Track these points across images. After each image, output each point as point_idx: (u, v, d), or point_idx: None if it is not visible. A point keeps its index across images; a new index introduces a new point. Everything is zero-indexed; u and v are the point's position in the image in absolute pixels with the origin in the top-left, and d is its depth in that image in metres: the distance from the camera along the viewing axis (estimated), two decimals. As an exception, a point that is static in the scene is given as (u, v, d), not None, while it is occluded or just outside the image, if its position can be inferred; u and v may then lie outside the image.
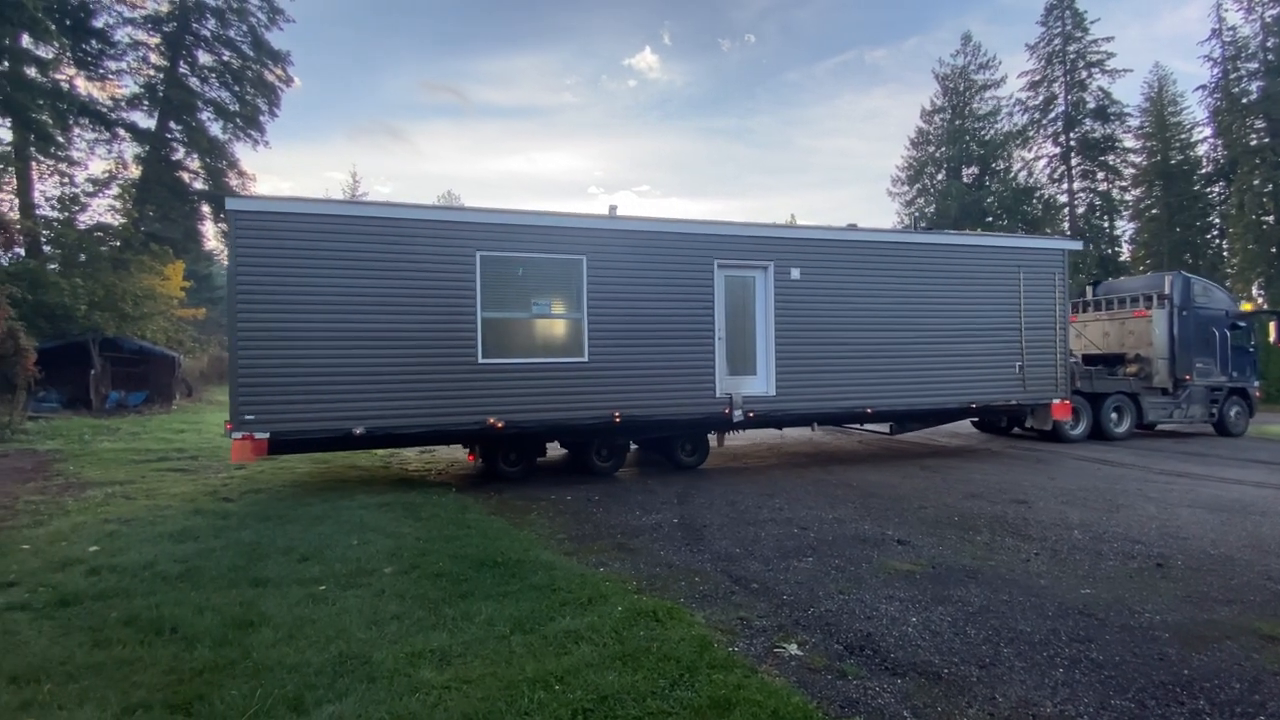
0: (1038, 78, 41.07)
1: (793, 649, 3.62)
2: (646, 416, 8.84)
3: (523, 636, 3.64)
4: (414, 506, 6.88)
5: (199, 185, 27.61)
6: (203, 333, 32.07)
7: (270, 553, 5.18)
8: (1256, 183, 34.10)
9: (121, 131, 25.71)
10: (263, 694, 2.98)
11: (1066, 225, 40.75)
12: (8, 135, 20.26)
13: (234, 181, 28.77)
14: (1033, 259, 10.90)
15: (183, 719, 2.81)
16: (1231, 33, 36.48)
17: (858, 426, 11.74)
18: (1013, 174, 40.75)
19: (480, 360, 8.18)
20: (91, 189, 24.67)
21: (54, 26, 19.69)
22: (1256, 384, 14.29)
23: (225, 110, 28.64)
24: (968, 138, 40.64)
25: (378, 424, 7.78)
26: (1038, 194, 40.55)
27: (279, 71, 29.62)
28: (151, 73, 26.64)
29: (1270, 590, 4.57)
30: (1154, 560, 5.24)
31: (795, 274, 9.57)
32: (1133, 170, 41.83)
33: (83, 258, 21.65)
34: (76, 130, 23.92)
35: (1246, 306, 14.66)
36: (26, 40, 19.12)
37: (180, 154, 28.02)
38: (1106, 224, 42.20)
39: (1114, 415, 12.86)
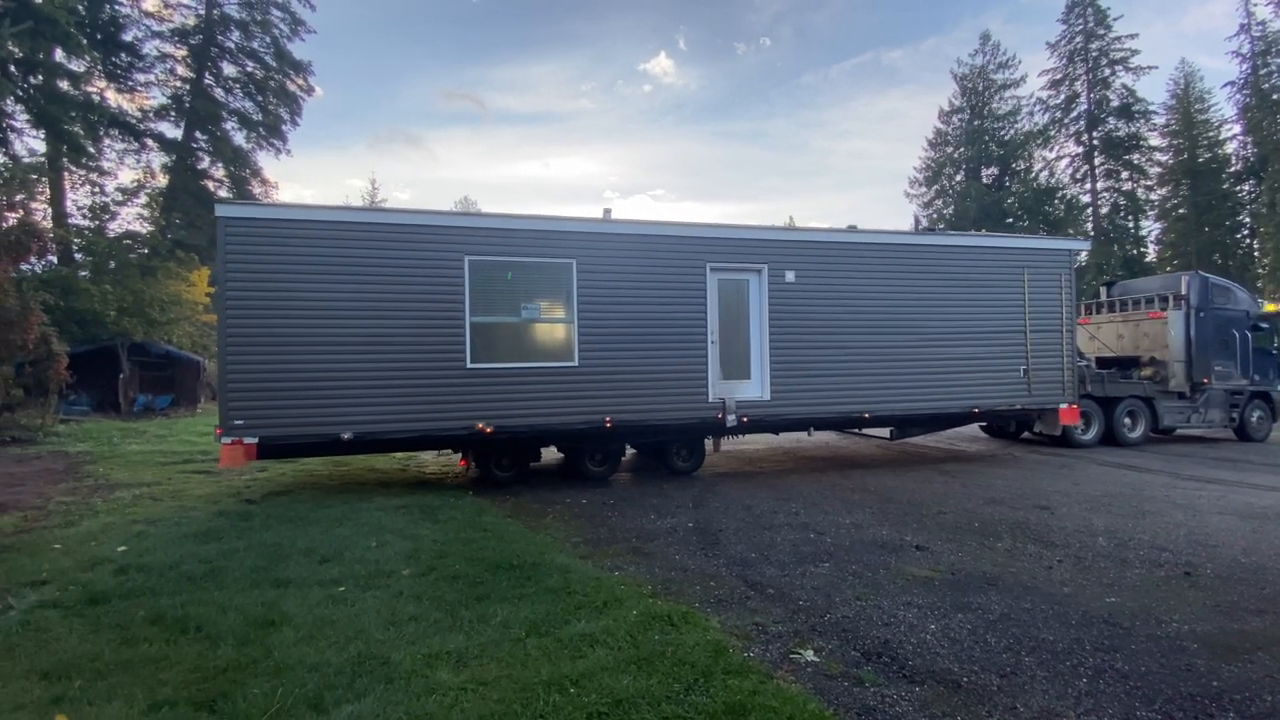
0: (1059, 76, 40.49)
1: (809, 655, 3.59)
2: (638, 421, 8.73)
3: (538, 639, 3.66)
4: (431, 509, 6.95)
5: (223, 193, 28.25)
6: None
7: (291, 554, 5.27)
8: (1288, 180, 33.22)
9: (150, 142, 26.47)
10: (284, 693, 3.03)
11: (1090, 225, 40.03)
12: (42, 147, 20.90)
13: (257, 189, 29.40)
14: (1037, 260, 10.65)
15: (207, 716, 2.87)
16: (1261, 27, 35.67)
17: (857, 431, 11.49)
18: (1033, 174, 40.16)
19: (469, 365, 8.13)
20: (121, 198, 25.35)
21: (86, 41, 20.30)
22: None
23: (249, 120, 29.31)
24: (987, 138, 40.14)
25: (365, 429, 7.75)
26: (1060, 194, 39.91)
27: (300, 81, 30.25)
28: (178, 84, 27.39)
29: (1304, 600, 4.44)
30: (1182, 568, 5.12)
31: (790, 277, 9.44)
32: (1158, 169, 41.02)
33: (112, 265, 22.23)
34: (107, 141, 24.68)
35: (1269, 307, 14.15)
36: (60, 55, 19.72)
37: (205, 163, 28.75)
38: (1131, 224, 41.40)
39: (1127, 420, 12.51)
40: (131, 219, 26.56)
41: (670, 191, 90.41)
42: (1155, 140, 40.62)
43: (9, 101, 17.02)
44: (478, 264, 8.26)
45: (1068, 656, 3.59)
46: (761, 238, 9.54)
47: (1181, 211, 40.23)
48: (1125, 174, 40.50)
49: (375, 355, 7.85)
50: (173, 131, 27.36)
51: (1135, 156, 40.20)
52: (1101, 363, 13.60)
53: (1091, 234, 39.77)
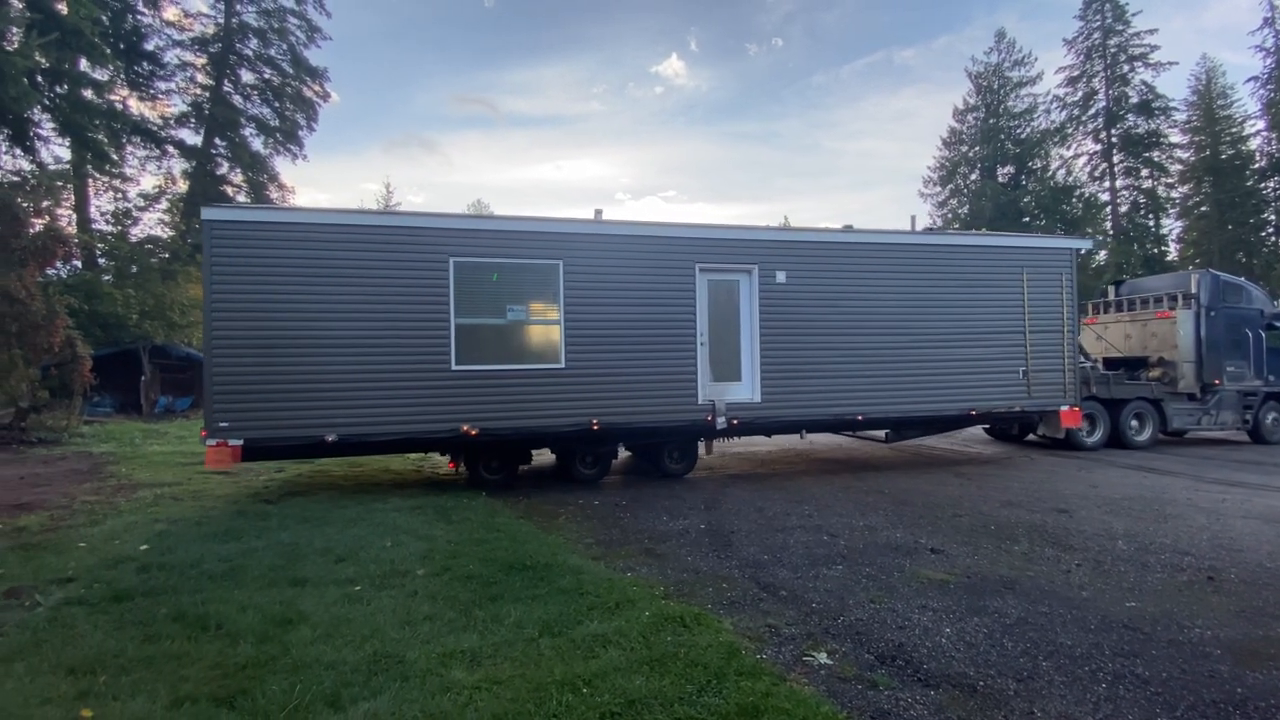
0: (1076, 73, 39.93)
1: (822, 657, 3.58)
2: (625, 424, 8.65)
3: (551, 639, 3.68)
4: (445, 510, 7.01)
5: (242, 198, 28.69)
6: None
7: (308, 553, 5.34)
8: (1315, 177, 32.47)
9: (170, 148, 26.99)
10: (302, 690, 3.08)
11: (1109, 224, 39.42)
12: (67, 154, 21.36)
13: (274, 194, 29.84)
14: (1037, 259, 10.45)
15: (227, 712, 2.92)
16: (1286, 21, 34.88)
17: (851, 433, 11.28)
18: (1050, 172, 39.64)
19: (454, 367, 8.10)
20: (143, 204, 25.88)
21: (109, 51, 20.73)
22: None
23: (266, 126, 29.76)
24: (1003, 136, 39.69)
25: (350, 431, 7.74)
26: (1078, 192, 39.34)
27: (317, 87, 30.66)
28: (198, 91, 27.88)
29: (1332, 606, 4.34)
30: (1205, 573, 5.03)
31: (781, 277, 9.33)
32: (1180, 166, 40.29)
33: (134, 269, 22.69)
34: (129, 148, 25.18)
35: None
36: (84, 64, 20.16)
37: (224, 168, 29.22)
38: (1152, 222, 40.69)
39: (1134, 423, 12.22)
40: (153, 224, 27.13)
41: (682, 193, 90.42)
42: (1176, 137, 39.93)
43: (36, 110, 17.43)
44: (463, 265, 8.22)
45: (1086, 661, 3.55)
46: (752, 238, 9.44)
47: (1204, 209, 39.48)
48: (1145, 172, 39.83)
49: (360, 357, 7.83)
50: (193, 138, 27.89)
51: (1155, 154, 39.52)
52: (1109, 364, 13.35)
53: (1110, 233, 39.17)
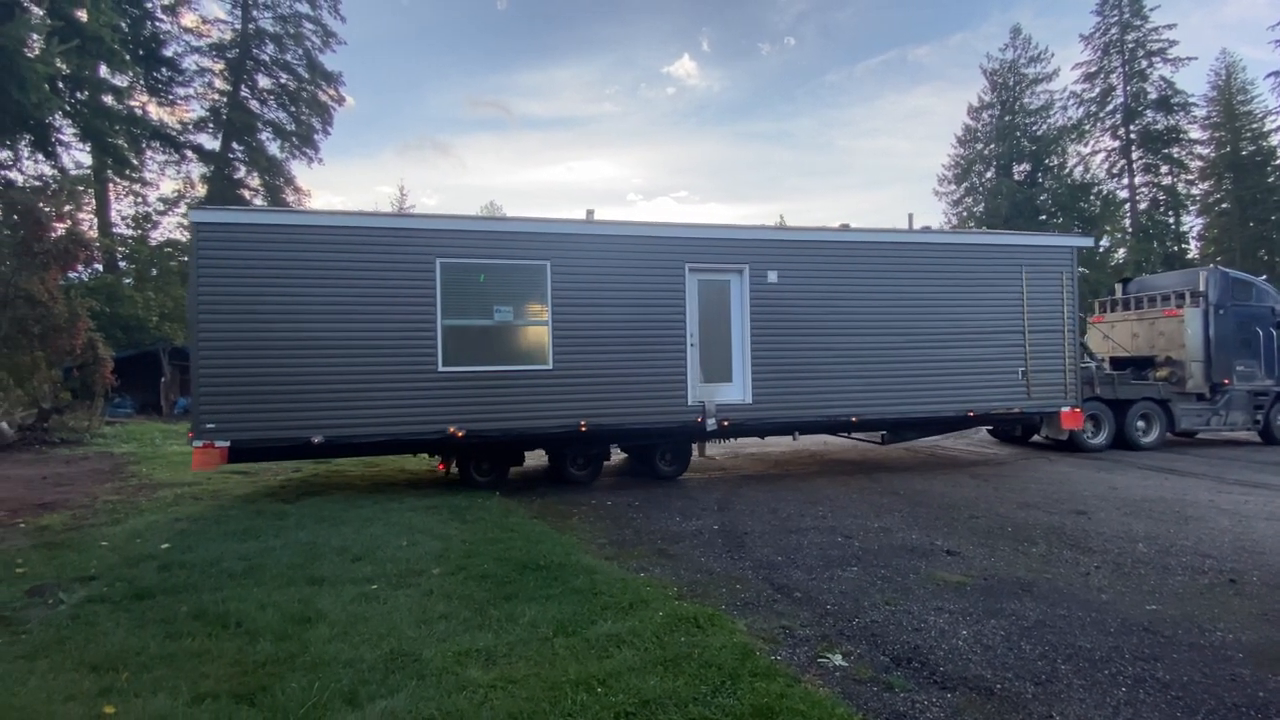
0: (1094, 69, 39.38)
1: (837, 659, 3.56)
2: (614, 425, 8.59)
3: (565, 639, 3.69)
4: (460, 509, 7.06)
5: (259, 201, 29.07)
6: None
7: (325, 552, 5.40)
8: (1341, 172, 31.77)
9: (189, 153, 27.42)
10: (320, 687, 3.11)
11: (1128, 221, 38.84)
12: (88, 159, 21.77)
13: (290, 198, 30.19)
14: (1036, 258, 10.27)
15: (247, 709, 2.96)
16: (1309, 14, 34.14)
17: (846, 435, 11.05)
18: (1068, 170, 39.06)
19: (440, 368, 8.08)
20: (162, 207, 26.29)
21: (129, 57, 21.09)
22: None
23: (283, 130, 30.13)
24: (1018, 134, 39.20)
25: (336, 433, 7.74)
26: (1095, 190, 38.75)
27: (332, 92, 31.00)
28: (216, 97, 28.29)
29: (1361, 610, 4.25)
30: (1227, 575, 4.94)
31: (772, 277, 9.23)
32: (1200, 163, 39.63)
33: (154, 272, 23.07)
34: (149, 153, 25.60)
35: None
36: (104, 70, 20.54)
37: (242, 173, 29.62)
38: (1172, 220, 40.03)
39: (1140, 423, 11.96)
40: (172, 228, 27.57)
41: (694, 193, 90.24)
42: (1196, 133, 39.24)
43: (57, 116, 17.78)
44: (449, 266, 8.19)
45: (1106, 665, 3.50)
46: (742, 237, 9.37)
47: (1225, 206, 38.78)
48: (1165, 168, 39.19)
49: (346, 359, 7.81)
50: (211, 143, 28.31)
51: (1175, 150, 38.87)
52: (1116, 363, 13.10)
53: (1129, 230, 38.58)
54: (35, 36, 13.75)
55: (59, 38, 14.13)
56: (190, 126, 27.58)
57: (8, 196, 13.85)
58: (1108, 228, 37.24)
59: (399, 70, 75.48)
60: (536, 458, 9.57)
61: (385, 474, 9.78)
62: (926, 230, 10.52)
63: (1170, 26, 37.73)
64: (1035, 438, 12.60)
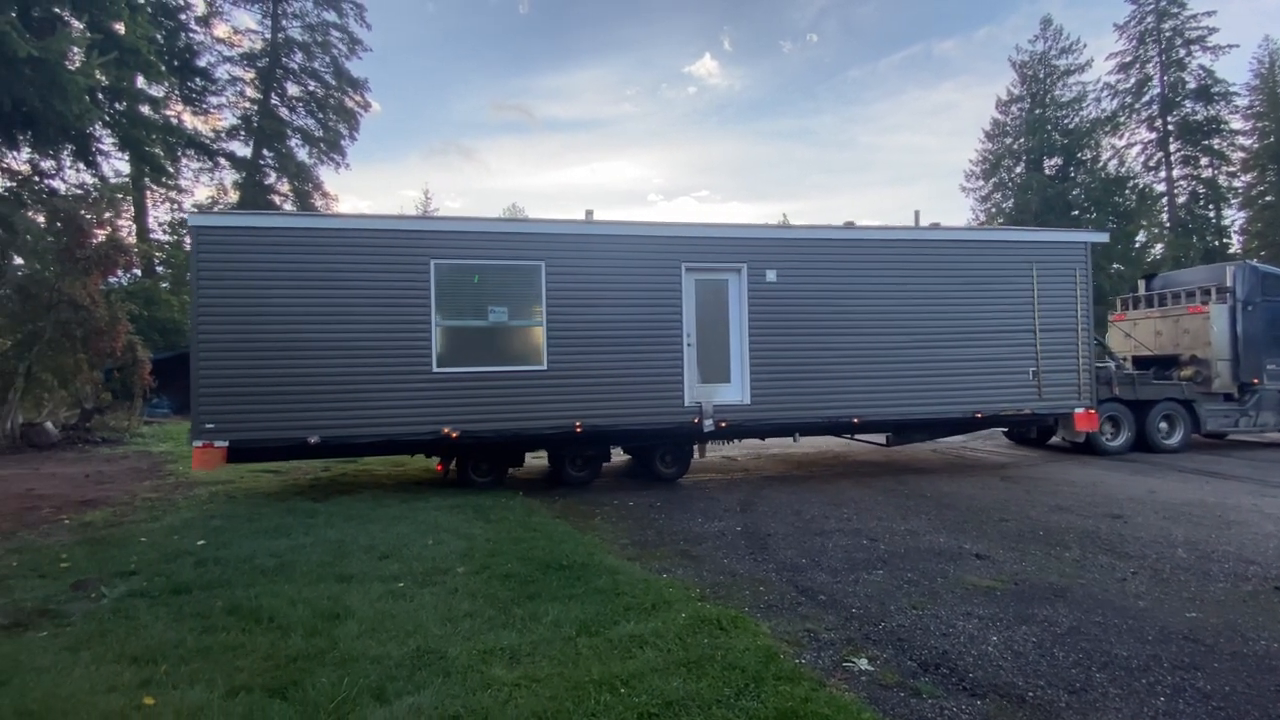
0: (1129, 59, 38.25)
1: (863, 664, 3.51)
2: (610, 426, 8.55)
3: (588, 639, 3.71)
4: (484, 509, 7.13)
5: (289, 207, 29.73)
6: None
7: (354, 550, 5.50)
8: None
9: (222, 160, 28.18)
10: (349, 683, 3.17)
11: (1166, 215, 37.64)
12: (126, 168, 22.49)
13: (319, 202, 30.81)
14: (1047, 254, 9.96)
15: (279, 703, 3.03)
16: (1360, -4, 32.69)
17: (850, 436, 10.82)
18: (1101, 163, 38.00)
19: (435, 369, 8.12)
20: (197, 213, 26.96)
21: (164, 68, 21.74)
22: None
23: (311, 136, 30.79)
24: (1049, 127, 38.23)
25: (332, 433, 7.83)
26: (1131, 183, 37.63)
27: (358, 98, 31.58)
28: (247, 105, 29.02)
29: None
30: (1272, 582, 4.76)
31: (771, 276, 9.11)
32: (1242, 154, 38.17)
33: (189, 276, 23.71)
34: (184, 161, 26.36)
35: None
36: (141, 81, 21.21)
37: (272, 178, 30.33)
38: (1212, 213, 38.67)
39: (1163, 425, 11.49)
40: (206, 233, 28.25)
41: (715, 192, 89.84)
42: (1238, 123, 37.82)
43: (97, 126, 18.41)
44: (444, 267, 8.22)
45: (1143, 674, 3.40)
46: (740, 236, 9.27)
47: (1269, 199, 37.31)
48: (1205, 160, 37.86)
49: (342, 360, 7.89)
50: (242, 150, 29.04)
51: (1215, 141, 37.53)
52: (1138, 362, 12.64)
53: (1168, 225, 37.38)
54: (76, 49, 14.24)
55: (98, 50, 14.62)
56: (223, 134, 28.36)
57: (51, 205, 14.39)
58: (1144, 223, 36.15)
59: (424, 76, 76.54)
60: (542, 458, 9.57)
61: (412, 473, 9.92)
62: (934, 227, 10.30)
63: (1210, 13, 36.47)
64: (1053, 440, 12.23)
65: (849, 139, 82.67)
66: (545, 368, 8.43)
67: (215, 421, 7.59)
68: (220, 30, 27.45)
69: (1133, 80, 38.29)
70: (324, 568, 5.02)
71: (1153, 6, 37.23)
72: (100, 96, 17.73)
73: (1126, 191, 37.17)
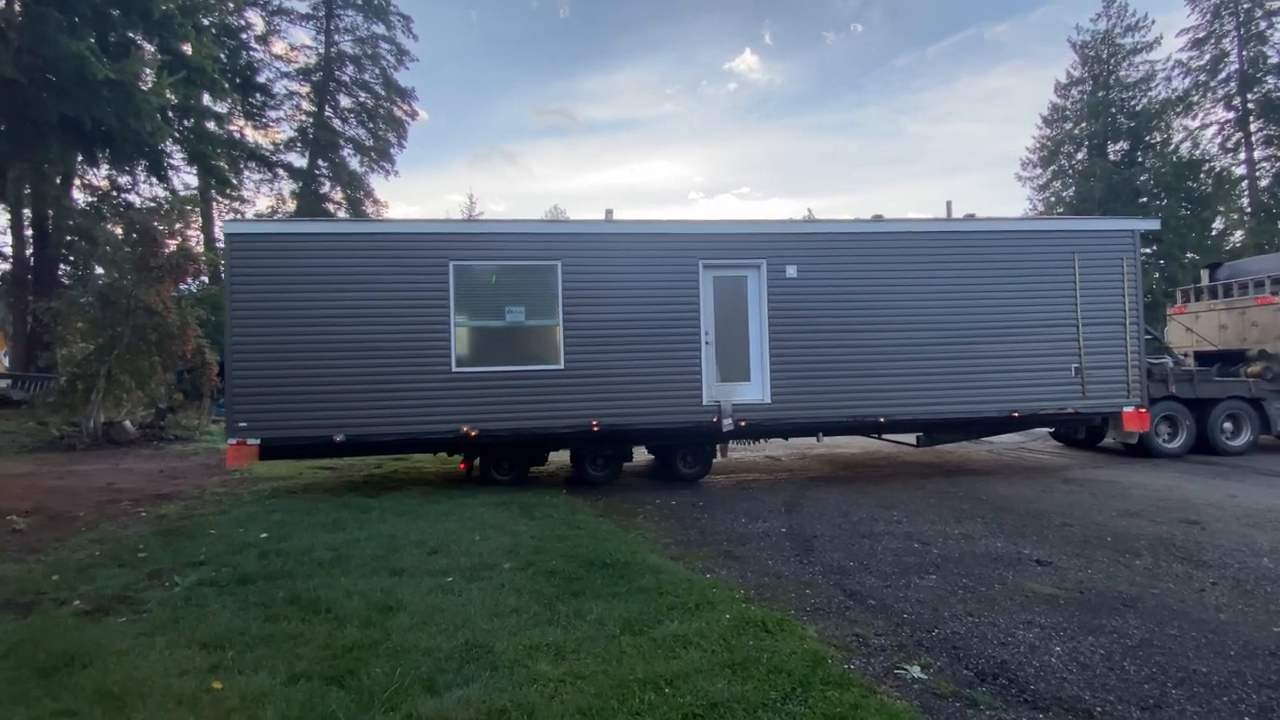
0: (1202, 34, 35.78)
1: (915, 671, 3.40)
2: (627, 425, 8.52)
3: (632, 637, 3.71)
4: (528, 506, 7.24)
5: (342, 214, 30.93)
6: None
7: (405, 545, 5.66)
8: None
9: (280, 171, 29.53)
10: (401, 673, 3.27)
11: (1246, 200, 35.09)
12: (194, 181, 23.86)
13: (370, 209, 31.94)
14: (1091, 243, 9.37)
15: (337, 690, 3.14)
16: None
17: (878, 435, 10.37)
18: (1173, 146, 35.70)
19: (453, 369, 8.26)
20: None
21: (228, 85, 22.95)
22: None
23: (362, 146, 31.96)
24: (1114, 110, 36.17)
25: (356, 432, 8.05)
26: (1207, 167, 35.22)
27: (406, 107, 32.62)
28: (303, 118, 30.36)
29: None
30: (1376, 597, 4.37)
31: (791, 272, 8.89)
32: (1333, 132, 35.20)
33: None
34: (246, 172, 27.76)
35: None
36: (206, 99, 22.44)
37: (326, 187, 31.64)
38: (1299, 197, 35.81)
39: (1227, 425, 10.61)
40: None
41: (756, 189, 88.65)
42: (1328, 99, 34.91)
43: (168, 142, 19.57)
44: (462, 269, 8.38)
45: (1225, 691, 3.17)
46: (758, 232, 9.11)
47: (1365, 179, 34.33)
48: (1290, 140, 35.13)
49: (365, 361, 8.12)
50: (299, 161, 30.42)
51: (1302, 119, 34.77)
52: (1201, 358, 11.76)
53: (1248, 210, 34.85)
54: (148, 71, 15.15)
55: (168, 70, 15.52)
56: (281, 146, 29.76)
57: (128, 217, 15.38)
58: (1222, 208, 33.79)
59: (468, 83, 78.24)
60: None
61: (458, 471, 10.15)
62: (968, 219, 9.87)
63: (1295, -18, 33.76)
64: (1104, 442, 11.49)
65: (896, 130, 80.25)
66: (562, 367, 8.50)
67: (248, 420, 7.93)
68: (278, 47, 28.83)
69: (1207, 57, 35.81)
70: (377, 561, 5.19)
71: (1230, -23, 34.75)
72: (170, 114, 18.85)
73: (1201, 175, 34.81)
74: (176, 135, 20.06)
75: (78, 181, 21.41)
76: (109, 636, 3.79)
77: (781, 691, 3.08)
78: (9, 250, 22.82)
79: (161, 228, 14.66)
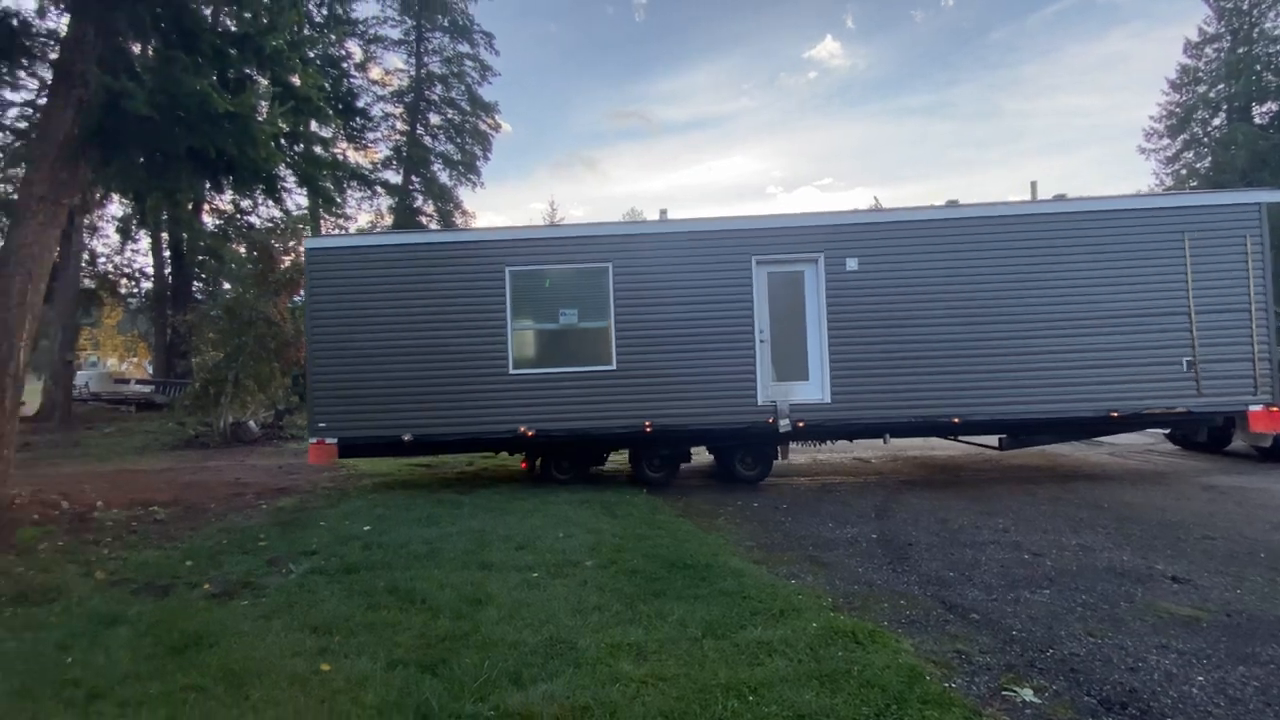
0: (1371, -27, 30.82)
1: (1027, 694, 3.11)
2: (679, 426, 8.43)
3: (714, 641, 3.64)
4: (610, 505, 7.31)
5: (434, 226, 32.73)
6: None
7: (493, 540, 5.87)
8: None
9: (379, 189, 31.64)
10: (490, 665, 3.37)
11: None
12: (305, 201, 26.05)
13: (459, 220, 33.58)
14: (1204, 220, 8.20)
15: (430, 678, 3.28)
16: None
17: (954, 438, 9.53)
18: (1333, 105, 30.98)
19: (511, 371, 8.52)
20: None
21: (331, 111, 24.89)
22: None
23: (450, 160, 33.66)
24: (1258, 67, 31.86)
25: (423, 432, 8.42)
26: (1376, 127, 30.31)
27: (490, 121, 34.02)
28: (398, 137, 32.35)
29: None
30: None
31: (852, 264, 8.41)
32: None
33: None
34: (349, 192, 29.99)
35: None
36: (314, 125, 24.47)
37: (419, 201, 33.56)
38: None
39: None
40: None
41: (839, 180, 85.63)
42: None
43: (281, 167, 21.51)
44: (517, 274, 8.66)
45: None
46: (814, 224, 8.65)
47: None
48: None
49: (430, 364, 8.54)
50: (395, 178, 32.43)
51: None
52: None
53: None
54: (263, 103, 16.69)
55: (279, 101, 17.01)
56: (378, 165, 31.86)
57: (250, 237, 17.00)
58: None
59: (547, 93, 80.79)
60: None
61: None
62: (1057, 199, 8.92)
63: None
64: (1234, 444, 10.09)
65: (992, 108, 74.89)
66: (614, 367, 8.58)
67: (327, 421, 8.52)
68: (374, 73, 30.89)
69: (1378, -2, 30.81)
70: (468, 555, 5.41)
71: None
72: (282, 141, 20.71)
73: (1372, 136, 29.97)
74: (288, 160, 21.97)
75: (206, 206, 23.94)
76: (233, 618, 4.16)
77: (874, 707, 2.91)
78: (151, 270, 25.92)
79: (277, 245, 16.11)
